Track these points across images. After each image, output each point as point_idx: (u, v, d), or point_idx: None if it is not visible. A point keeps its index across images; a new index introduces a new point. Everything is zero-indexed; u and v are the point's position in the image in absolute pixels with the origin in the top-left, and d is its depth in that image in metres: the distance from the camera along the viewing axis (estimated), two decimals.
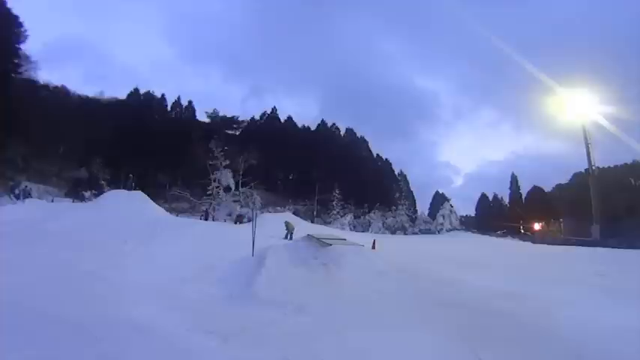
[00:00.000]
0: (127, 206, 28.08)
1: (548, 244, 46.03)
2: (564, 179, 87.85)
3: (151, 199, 34.64)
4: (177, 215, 44.29)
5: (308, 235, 16.85)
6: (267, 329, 8.48)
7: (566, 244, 44.51)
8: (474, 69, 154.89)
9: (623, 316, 9.79)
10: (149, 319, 7.96)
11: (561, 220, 68.40)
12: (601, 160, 65.94)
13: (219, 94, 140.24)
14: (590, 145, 57.76)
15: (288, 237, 15.79)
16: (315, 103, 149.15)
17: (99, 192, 52.25)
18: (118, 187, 49.70)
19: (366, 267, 13.59)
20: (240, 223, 33.84)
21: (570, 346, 7.78)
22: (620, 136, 57.53)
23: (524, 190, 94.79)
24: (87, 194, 58.04)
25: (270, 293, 11.24)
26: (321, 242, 15.62)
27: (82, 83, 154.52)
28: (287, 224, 26.58)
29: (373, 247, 19.22)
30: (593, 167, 58.13)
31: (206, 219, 50.80)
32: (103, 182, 66.21)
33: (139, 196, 33.45)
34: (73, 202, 50.81)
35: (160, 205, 36.77)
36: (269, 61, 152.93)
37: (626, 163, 74.10)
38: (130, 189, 42.86)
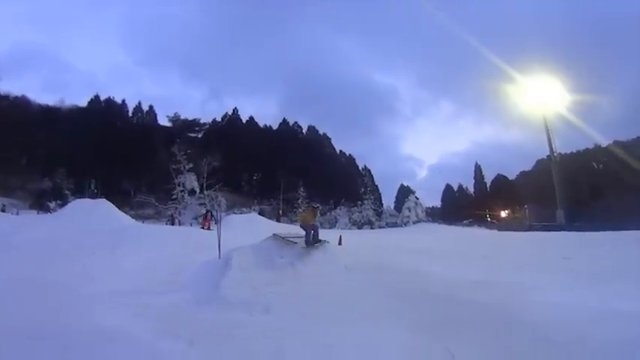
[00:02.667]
0: (92, 215, 27.72)
1: (514, 231, 46.68)
2: (528, 166, 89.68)
3: (116, 206, 34.16)
4: (142, 222, 43.89)
5: (273, 234, 16.93)
6: (233, 331, 8.42)
7: (532, 230, 45.10)
8: (433, 62, 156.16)
9: (589, 298, 10.02)
10: (116, 327, 7.84)
11: (526, 206, 69.47)
12: (563, 147, 67.56)
13: (179, 97, 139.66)
14: (551, 132, 58.84)
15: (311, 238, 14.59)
16: (275, 102, 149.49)
17: (63, 202, 51.71)
18: (83, 197, 49.13)
19: (333, 263, 13.65)
20: (207, 223, 33.25)
21: (539, 331, 7.87)
22: (581, 122, 58.54)
23: (489, 178, 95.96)
24: (51, 205, 57.54)
25: (236, 294, 11.17)
26: (287, 241, 15.71)
27: (42, 92, 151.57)
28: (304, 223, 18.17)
29: (340, 243, 19.23)
30: (555, 153, 58.98)
31: (172, 224, 50.67)
32: (67, 192, 65.58)
33: (104, 204, 32.99)
34: (38, 213, 50.25)
35: (125, 213, 36.35)
36: (227, 62, 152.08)
37: (587, 148, 75.25)
38: (94, 197, 42.38)
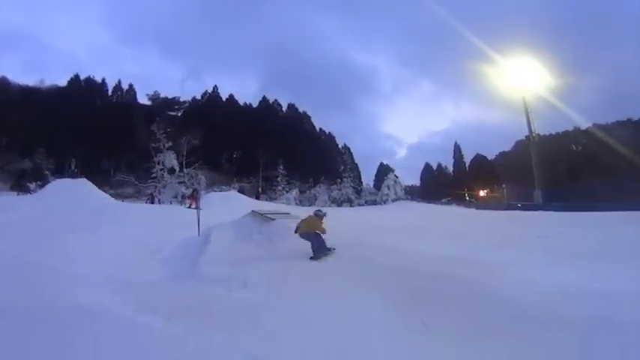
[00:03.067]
0: (72, 195, 27.54)
1: (492, 209, 46.75)
2: (507, 147, 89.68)
3: (96, 186, 33.93)
4: (122, 201, 43.66)
5: (252, 211, 16.92)
6: (212, 305, 8.53)
7: (510, 209, 45.38)
8: (413, 41, 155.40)
9: (564, 275, 10.16)
10: (96, 304, 7.88)
11: (504, 186, 69.76)
12: (543, 128, 67.68)
13: (159, 75, 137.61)
14: (530, 113, 59.05)
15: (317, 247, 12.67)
16: (255, 80, 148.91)
17: (44, 183, 51.26)
18: (63, 177, 48.79)
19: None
20: (193, 202, 32.22)
21: (515, 307, 8.00)
22: (561, 104, 58.87)
23: (468, 158, 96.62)
24: (32, 186, 56.95)
25: (215, 270, 11.28)
26: (265, 217, 15.77)
27: (22, 73, 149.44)
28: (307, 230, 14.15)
29: None
30: (534, 134, 59.20)
31: (152, 202, 50.43)
32: (47, 172, 64.92)
33: (84, 184, 32.74)
34: (18, 194, 49.82)
35: (105, 192, 36.10)
36: (207, 40, 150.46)
37: (567, 131, 75.58)
38: (74, 177, 42.07)
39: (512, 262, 12.02)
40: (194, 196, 32.37)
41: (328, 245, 13.01)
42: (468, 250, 14.24)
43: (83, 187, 31.51)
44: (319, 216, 13.97)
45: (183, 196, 54.19)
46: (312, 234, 13.00)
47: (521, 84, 60.26)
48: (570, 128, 74.98)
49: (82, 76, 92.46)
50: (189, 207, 30.84)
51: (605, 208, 31.67)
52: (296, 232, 13.22)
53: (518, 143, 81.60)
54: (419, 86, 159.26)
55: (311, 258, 12.37)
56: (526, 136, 64.61)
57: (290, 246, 13.18)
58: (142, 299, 8.84)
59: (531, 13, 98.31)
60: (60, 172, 62.69)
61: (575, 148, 75.18)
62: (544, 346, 6.50)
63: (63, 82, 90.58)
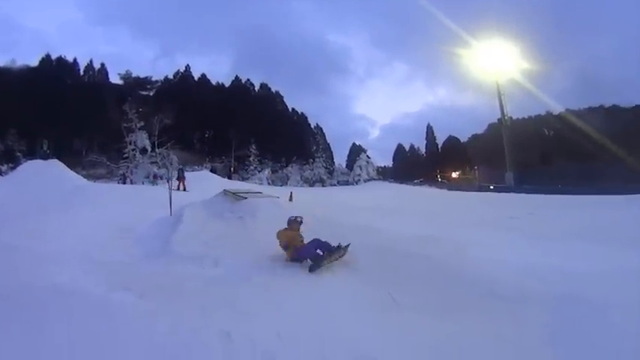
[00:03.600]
0: (44, 176, 27.20)
1: (464, 190, 47.21)
2: (479, 130, 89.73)
3: (68, 166, 33.52)
4: (94, 181, 43.25)
5: (224, 190, 16.91)
6: (184, 283, 8.60)
7: (481, 191, 45.86)
8: (387, 23, 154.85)
9: (532, 254, 10.36)
10: (69, 283, 7.91)
11: (476, 168, 70.31)
12: (515, 112, 68.40)
13: (131, 55, 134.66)
14: (503, 96, 59.62)
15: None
16: (228, 60, 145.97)
17: (15, 164, 50.72)
18: (34, 158, 48.18)
19: (282, 218, 13.73)
20: (181, 183, 30.10)
21: (483, 283, 8.21)
22: (534, 89, 59.40)
23: (440, 140, 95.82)
24: (3, 168, 56.33)
25: (187, 249, 11.32)
26: (237, 196, 15.74)
27: None
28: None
29: (290, 199, 19.38)
30: (507, 117, 59.70)
31: (124, 183, 50.12)
32: (19, 154, 64.16)
33: (55, 165, 32.28)
34: None
35: (77, 173, 35.71)
36: (179, 19, 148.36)
37: (539, 115, 76.20)
38: (45, 158, 41.61)
39: (482, 241, 12.15)
40: (181, 177, 31.39)
41: (334, 243, 10.35)
42: (439, 230, 14.41)
43: (55, 168, 31.16)
44: (294, 223, 11.35)
45: (155, 176, 53.95)
46: (299, 248, 10.44)
47: (495, 67, 60.69)
48: (543, 113, 75.79)
49: (54, 56, 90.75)
50: (178, 189, 28.76)
51: (575, 191, 32.25)
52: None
53: (490, 126, 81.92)
54: (392, 68, 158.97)
55: (310, 269, 9.67)
56: (499, 119, 65.26)
57: (262, 224, 13.13)
58: (115, 278, 8.84)
59: None
60: (32, 154, 61.84)
61: (547, 133, 75.82)
62: (512, 323, 6.64)
63: (34, 62, 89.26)
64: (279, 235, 10.81)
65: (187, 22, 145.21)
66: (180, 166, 38.43)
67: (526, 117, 79.64)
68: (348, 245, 10.21)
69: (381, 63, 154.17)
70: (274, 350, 5.77)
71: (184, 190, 28.07)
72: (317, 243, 10.21)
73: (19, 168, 34.28)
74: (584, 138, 54.92)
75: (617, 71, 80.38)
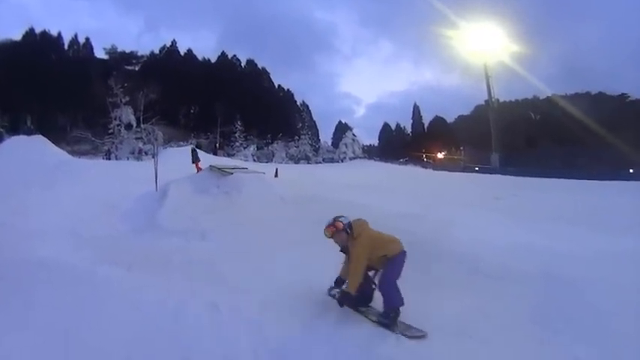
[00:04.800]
0: (28, 152, 27.01)
1: (449, 171, 47.44)
2: (466, 111, 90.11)
3: (52, 142, 33.35)
4: (79, 157, 42.99)
5: (210, 165, 16.91)
6: (171, 256, 8.71)
7: (466, 171, 46.13)
8: (374, 1, 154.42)
9: (516, 234, 10.52)
10: (55, 258, 7.90)
11: (462, 148, 70.48)
12: (503, 95, 68.51)
13: (116, 29, 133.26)
14: (490, 78, 59.64)
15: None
16: (214, 35, 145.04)
17: None
18: (18, 134, 47.78)
19: (268, 193, 13.88)
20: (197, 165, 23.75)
21: (467, 260, 8.36)
22: (522, 72, 59.60)
23: (427, 120, 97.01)
24: None
25: (173, 223, 11.39)
26: (223, 171, 15.72)
27: None
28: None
29: (276, 176, 19.41)
30: (494, 99, 59.91)
31: (109, 159, 49.93)
32: (1, 130, 63.52)
33: (39, 140, 32.05)
34: None
35: (61, 149, 35.49)
36: None
37: (526, 98, 76.77)
38: (29, 134, 41.25)
39: (467, 221, 12.18)
40: (197, 160, 23.59)
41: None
42: (424, 208, 14.44)
43: (39, 143, 30.94)
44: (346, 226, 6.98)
45: (140, 152, 53.74)
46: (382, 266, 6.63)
47: (483, 49, 60.75)
48: (530, 96, 76.26)
49: (37, 30, 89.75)
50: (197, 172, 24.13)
51: (559, 175, 32.54)
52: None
53: (477, 108, 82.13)
54: (378, 46, 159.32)
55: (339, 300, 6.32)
56: (486, 101, 65.52)
57: (247, 200, 13.30)
58: (101, 252, 8.90)
59: None
60: (15, 130, 61.25)
61: (533, 116, 76.27)
62: (495, 299, 6.74)
63: (17, 36, 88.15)
64: (358, 243, 6.72)
65: None
66: (193, 147, 35.61)
67: (513, 100, 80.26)
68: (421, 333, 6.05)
69: (367, 41, 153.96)
70: (260, 321, 5.83)
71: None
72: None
73: (2, 144, 33.96)
74: (570, 122, 55.30)
75: (604, 60, 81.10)
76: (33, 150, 27.45)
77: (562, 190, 23.22)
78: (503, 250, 8.88)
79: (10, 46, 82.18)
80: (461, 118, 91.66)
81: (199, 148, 49.03)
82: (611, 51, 78.50)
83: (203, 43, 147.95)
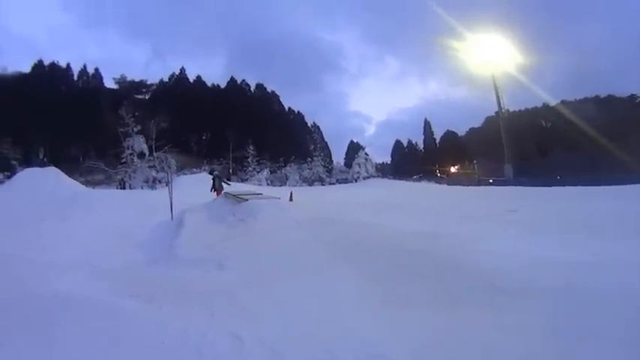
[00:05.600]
0: (42, 184, 27.31)
1: (463, 185, 47.36)
2: (477, 123, 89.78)
3: (65, 173, 33.72)
4: (93, 187, 43.21)
5: (224, 192, 17.01)
6: (190, 287, 8.65)
7: (480, 185, 45.99)
8: (378, 18, 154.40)
9: (533, 248, 10.32)
10: (74, 291, 7.88)
11: (475, 161, 70.44)
12: (512, 104, 68.54)
13: (125, 59, 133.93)
14: (499, 89, 59.35)
15: None
16: (222, 61, 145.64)
17: (12, 173, 50.54)
18: (31, 166, 48.00)
19: (283, 218, 13.87)
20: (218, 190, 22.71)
21: (485, 277, 8.19)
22: (530, 81, 59.56)
23: (438, 135, 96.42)
24: None
25: (191, 253, 11.40)
26: (238, 198, 15.87)
27: None
28: None
29: (291, 199, 19.39)
30: (504, 110, 59.82)
31: (123, 188, 50.10)
32: (14, 162, 63.79)
33: (53, 172, 32.46)
34: None
35: (75, 179, 35.84)
36: (172, 21, 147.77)
37: (536, 107, 76.70)
38: (42, 166, 41.51)
39: (483, 235, 12.21)
40: (218, 184, 24.11)
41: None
42: (439, 225, 14.44)
43: (52, 175, 31.25)
44: None
45: (154, 180, 53.96)
46: None
47: (490, 60, 60.68)
48: (539, 105, 76.02)
49: (46, 62, 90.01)
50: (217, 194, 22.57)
51: (572, 183, 32.33)
52: None
53: (488, 119, 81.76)
54: (385, 63, 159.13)
55: None
56: (496, 112, 65.31)
57: (264, 226, 13.23)
58: (120, 284, 8.88)
59: None
60: (28, 162, 61.49)
61: (544, 124, 76.06)
62: (514, 314, 6.67)
63: (26, 68, 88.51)
64: None
65: (179, 25, 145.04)
66: (216, 172, 32.61)
67: (522, 109, 79.92)
68: None
69: (374, 59, 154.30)
70: (283, 351, 5.82)
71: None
72: None
73: (16, 176, 34.25)
74: (580, 129, 55.06)
75: (611, 61, 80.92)
76: (46, 182, 27.76)
77: (575, 199, 23.03)
78: (521, 264, 8.79)
79: (20, 79, 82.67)
80: (472, 130, 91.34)
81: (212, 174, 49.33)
82: (618, 52, 78.43)
83: (212, 69, 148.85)
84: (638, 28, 71.71)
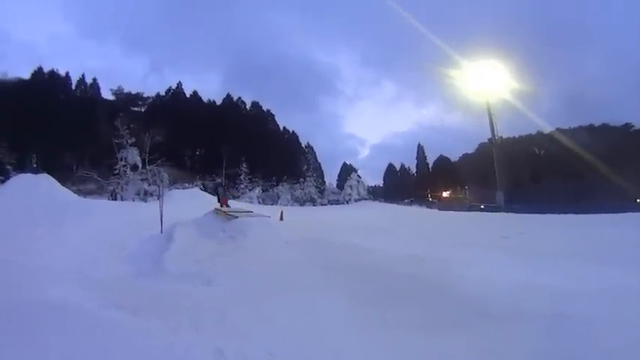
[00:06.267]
0: (34, 191, 27.20)
1: (455, 210, 47.41)
2: (470, 149, 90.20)
3: (58, 181, 33.58)
4: (85, 197, 43.14)
5: (215, 208, 16.96)
6: (178, 301, 8.64)
7: (472, 210, 46.07)
8: (375, 43, 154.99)
9: (524, 274, 10.38)
10: (62, 299, 7.89)
11: (467, 187, 70.67)
12: (506, 131, 68.79)
13: (123, 71, 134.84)
14: (493, 116, 59.62)
15: None
16: (219, 78, 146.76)
17: (5, 178, 50.37)
18: (25, 172, 47.96)
19: (273, 237, 13.87)
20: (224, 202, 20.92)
21: (474, 303, 8.26)
22: (525, 109, 59.90)
23: (431, 160, 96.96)
24: None
25: (179, 267, 11.39)
26: (228, 215, 15.80)
27: None
28: None
29: (281, 219, 19.34)
30: (497, 137, 60.08)
31: (114, 199, 50.02)
32: (8, 167, 63.65)
33: (46, 179, 32.23)
34: None
35: (67, 188, 35.73)
36: (170, 36, 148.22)
37: (530, 134, 77.11)
38: (35, 172, 41.41)
39: (474, 261, 12.21)
40: (222, 193, 22.10)
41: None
42: (430, 249, 14.37)
43: (45, 182, 31.10)
44: None
45: (145, 193, 53.93)
46: None
47: (485, 87, 61.00)
48: (533, 132, 76.43)
49: (46, 69, 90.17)
50: (222, 207, 21.08)
51: (565, 210, 32.42)
52: None
53: (481, 146, 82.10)
54: (382, 87, 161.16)
55: None
56: (489, 139, 65.53)
57: (253, 244, 13.21)
58: (108, 294, 8.87)
59: (496, 18, 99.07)
60: (22, 167, 61.41)
61: (537, 152, 76.43)
62: (503, 341, 6.75)
63: (26, 74, 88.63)
64: None
65: (178, 40, 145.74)
66: (218, 182, 29.66)
67: (517, 136, 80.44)
68: None
69: (370, 82, 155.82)
70: None
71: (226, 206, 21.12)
72: None
73: (9, 182, 34.12)
74: (574, 157, 55.27)
75: (606, 90, 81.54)
76: (39, 188, 27.62)
77: (568, 226, 23.20)
78: (511, 290, 8.83)
79: (20, 84, 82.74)
80: (465, 156, 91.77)
81: (205, 191, 49.10)
82: (613, 81, 79.24)
83: (208, 85, 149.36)
84: (633, 58, 72.42)
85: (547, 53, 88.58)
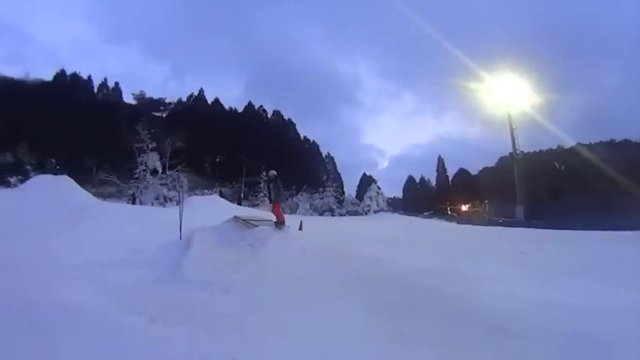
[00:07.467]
0: (53, 192, 27.34)
1: (474, 224, 47.04)
2: (490, 163, 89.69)
3: (78, 183, 33.82)
4: (104, 200, 43.33)
5: (234, 216, 16.91)
6: (195, 309, 8.60)
7: (491, 224, 45.69)
8: (397, 54, 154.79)
9: (542, 291, 10.24)
10: (79, 303, 7.91)
11: (487, 201, 70.11)
12: (527, 145, 68.24)
13: (145, 76, 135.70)
14: (514, 130, 59.33)
15: None
16: (241, 85, 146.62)
17: (25, 177, 50.62)
18: (44, 172, 48.12)
19: (292, 246, 13.78)
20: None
21: (492, 319, 8.15)
22: (546, 123, 59.48)
23: (451, 173, 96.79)
24: (12, 180, 56.13)
25: (197, 274, 11.32)
26: (248, 223, 15.74)
27: (3, 63, 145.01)
28: None
29: (300, 228, 19.22)
30: (518, 151, 59.66)
31: (133, 203, 50.18)
32: (29, 167, 64.00)
33: (65, 181, 32.48)
34: None
35: (86, 190, 35.92)
36: (193, 43, 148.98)
37: (551, 149, 76.54)
38: (55, 174, 41.58)
39: (490, 275, 12.11)
40: (275, 194, 18.83)
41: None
42: (447, 263, 14.33)
43: (65, 183, 31.31)
44: None
45: (164, 198, 54.10)
46: None
47: (506, 100, 60.66)
48: (554, 146, 75.95)
49: (68, 72, 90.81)
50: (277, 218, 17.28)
51: (584, 227, 32.06)
52: None
53: (501, 160, 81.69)
54: (402, 99, 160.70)
55: None
56: (510, 153, 65.09)
57: (272, 253, 13.16)
58: (125, 300, 8.85)
59: (518, 31, 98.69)
60: (41, 168, 61.73)
61: (558, 167, 75.84)
62: (516, 358, 6.63)
63: (48, 76, 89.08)
64: None
65: (200, 47, 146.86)
66: (276, 175, 23.46)
67: (537, 150, 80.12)
68: None
69: (391, 93, 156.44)
70: None
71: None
72: None
73: (29, 182, 34.37)
74: (595, 172, 54.82)
75: (627, 105, 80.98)
76: (58, 190, 27.82)
77: (588, 243, 22.88)
78: (529, 307, 8.71)
79: (42, 86, 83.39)
80: (485, 170, 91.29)
81: (223, 197, 49.12)
82: (634, 96, 78.52)
83: (230, 93, 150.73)
84: None
85: (568, 67, 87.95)
